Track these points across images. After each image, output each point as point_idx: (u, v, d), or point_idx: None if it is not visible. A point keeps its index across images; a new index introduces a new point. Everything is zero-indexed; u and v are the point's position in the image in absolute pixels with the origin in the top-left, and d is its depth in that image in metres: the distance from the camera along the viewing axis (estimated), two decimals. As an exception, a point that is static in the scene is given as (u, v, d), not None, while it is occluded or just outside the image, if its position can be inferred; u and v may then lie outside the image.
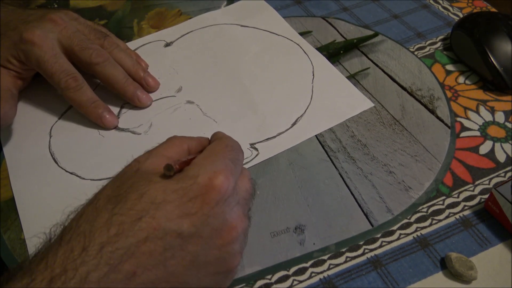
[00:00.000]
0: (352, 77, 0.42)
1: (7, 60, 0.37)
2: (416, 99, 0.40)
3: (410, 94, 0.41)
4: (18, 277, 0.21)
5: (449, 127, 0.38)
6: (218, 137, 0.28)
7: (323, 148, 0.37)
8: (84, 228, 0.22)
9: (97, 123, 0.38)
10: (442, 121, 0.38)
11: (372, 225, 0.32)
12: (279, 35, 0.47)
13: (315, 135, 0.38)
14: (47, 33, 0.37)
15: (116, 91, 0.39)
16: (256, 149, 0.37)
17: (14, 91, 0.38)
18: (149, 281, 0.21)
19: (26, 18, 0.39)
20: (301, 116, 0.39)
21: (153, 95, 0.42)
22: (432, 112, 0.39)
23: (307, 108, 0.40)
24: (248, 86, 0.42)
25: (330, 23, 0.49)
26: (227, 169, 0.24)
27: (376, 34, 0.46)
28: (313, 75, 0.42)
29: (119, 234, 0.21)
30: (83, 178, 0.36)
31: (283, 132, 0.38)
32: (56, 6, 0.54)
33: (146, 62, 0.45)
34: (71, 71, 0.37)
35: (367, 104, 0.40)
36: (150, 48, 0.47)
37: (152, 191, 0.22)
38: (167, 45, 0.47)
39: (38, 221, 0.33)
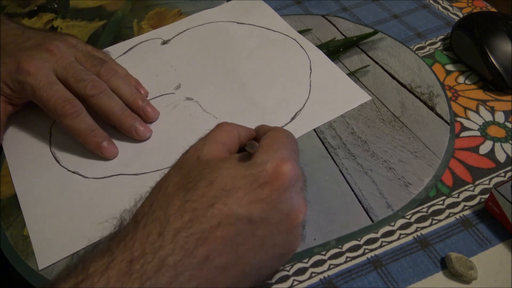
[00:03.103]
0: (352, 75, 0.42)
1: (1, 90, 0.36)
2: (416, 96, 0.40)
3: (410, 91, 0.40)
4: (97, 254, 0.22)
5: (448, 123, 0.38)
6: (272, 128, 0.29)
7: (323, 145, 0.37)
8: (158, 214, 0.22)
9: (96, 153, 0.37)
10: (441, 117, 0.38)
11: (372, 220, 0.32)
12: (275, 31, 0.47)
13: (315, 132, 0.38)
14: (43, 63, 0.36)
15: (113, 124, 0.38)
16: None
17: (3, 117, 0.37)
18: (221, 265, 0.22)
19: (24, 44, 0.38)
20: (300, 110, 0.39)
21: (152, 93, 0.42)
22: (432, 108, 0.39)
23: (305, 102, 0.40)
24: (247, 82, 0.42)
25: (330, 21, 0.49)
26: (292, 157, 0.25)
27: (375, 32, 0.46)
28: (311, 69, 0.43)
29: (192, 220, 0.22)
30: (86, 177, 0.36)
31: (282, 127, 0.38)
32: (56, 6, 0.54)
33: (144, 59, 0.45)
34: (67, 96, 0.36)
35: (364, 97, 0.40)
36: (147, 46, 0.47)
37: (222, 178, 0.23)
38: (164, 43, 0.47)
39: (43, 221, 0.33)
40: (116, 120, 0.37)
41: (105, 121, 0.37)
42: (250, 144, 0.24)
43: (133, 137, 0.38)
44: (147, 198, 0.24)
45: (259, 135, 0.29)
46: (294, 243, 0.25)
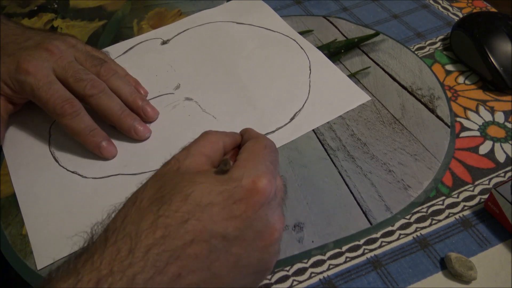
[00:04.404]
0: (352, 76, 0.42)
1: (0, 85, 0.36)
2: (416, 98, 0.40)
3: (411, 93, 0.40)
4: (63, 276, 0.21)
5: (449, 126, 0.38)
6: (253, 135, 0.28)
7: (323, 147, 0.37)
8: (129, 229, 0.21)
9: (95, 153, 0.37)
10: (442, 120, 0.38)
11: (371, 223, 0.32)
12: (275, 31, 0.47)
13: (315, 134, 0.38)
14: (43, 62, 0.36)
15: (112, 123, 0.37)
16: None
17: (4, 115, 0.37)
18: (193, 283, 0.22)
19: (23, 43, 0.38)
20: (299, 110, 0.39)
21: (151, 93, 0.42)
22: (432, 111, 0.39)
23: (304, 102, 0.40)
24: (246, 82, 0.42)
25: (331, 22, 0.49)
26: (269, 171, 0.24)
27: (377, 33, 0.46)
28: (310, 70, 0.43)
29: (165, 237, 0.21)
30: (85, 177, 0.36)
31: (282, 127, 0.38)
32: (56, 6, 0.54)
33: (143, 59, 0.45)
34: (66, 96, 0.36)
35: (364, 97, 0.40)
36: (147, 46, 0.47)
37: (197, 193, 0.22)
38: (164, 43, 0.47)
39: (42, 220, 0.33)
40: (115, 120, 0.37)
41: (105, 121, 0.37)
42: (223, 161, 0.23)
43: (133, 137, 0.38)
44: (120, 210, 0.23)
45: (243, 141, 0.28)
46: (269, 261, 0.25)
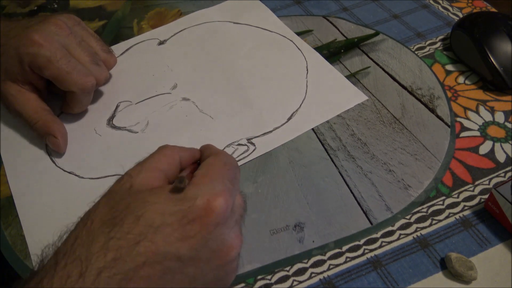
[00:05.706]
0: (352, 76, 0.42)
1: (19, 75, 0.35)
2: (416, 98, 0.40)
3: (411, 93, 0.40)
4: None
5: (449, 126, 0.38)
6: (212, 152, 0.27)
7: (323, 147, 0.37)
8: (79, 252, 0.21)
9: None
10: (442, 120, 0.38)
11: (371, 223, 0.32)
12: (272, 31, 0.47)
13: (315, 134, 0.38)
14: (53, 36, 0.35)
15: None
16: (253, 144, 0.37)
17: (48, 107, 0.37)
18: None
19: (27, 24, 0.36)
20: (297, 110, 0.39)
21: (148, 93, 0.42)
22: (432, 111, 0.39)
23: (302, 102, 0.40)
24: (243, 82, 0.42)
25: (331, 22, 0.49)
26: (226, 190, 0.23)
27: (377, 33, 0.46)
28: (307, 70, 0.43)
29: (116, 259, 0.21)
30: (82, 177, 0.36)
31: (279, 127, 0.38)
32: (56, 6, 0.54)
33: (140, 60, 0.45)
34: (85, 71, 0.36)
35: (361, 97, 0.40)
36: (144, 47, 0.47)
37: (149, 214, 0.22)
38: (161, 43, 0.47)
39: (39, 221, 0.33)
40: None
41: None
42: (179, 179, 0.23)
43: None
44: (72, 232, 0.23)
45: (203, 157, 0.28)
46: (226, 278, 0.25)
